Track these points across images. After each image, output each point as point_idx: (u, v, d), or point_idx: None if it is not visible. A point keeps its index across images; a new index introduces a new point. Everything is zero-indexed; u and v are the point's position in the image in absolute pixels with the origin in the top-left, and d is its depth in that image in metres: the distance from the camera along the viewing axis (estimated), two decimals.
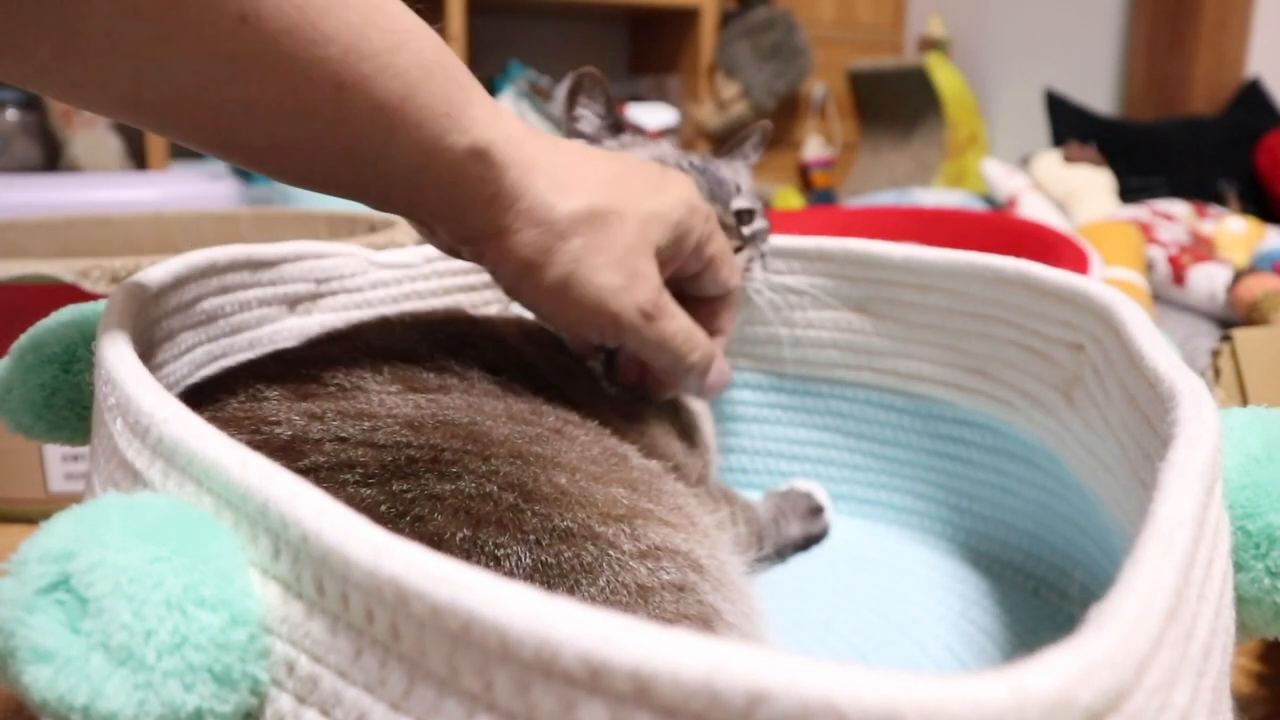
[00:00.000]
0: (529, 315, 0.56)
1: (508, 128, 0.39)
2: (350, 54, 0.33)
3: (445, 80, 0.36)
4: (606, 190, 0.42)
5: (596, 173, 0.43)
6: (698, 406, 0.58)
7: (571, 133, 0.60)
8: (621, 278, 0.43)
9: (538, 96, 2.09)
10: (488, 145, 0.38)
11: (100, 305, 0.43)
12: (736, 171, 0.62)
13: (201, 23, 0.31)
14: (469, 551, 0.32)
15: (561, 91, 2.09)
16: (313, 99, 0.34)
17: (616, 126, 0.60)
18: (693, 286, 0.50)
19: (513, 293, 0.44)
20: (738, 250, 0.57)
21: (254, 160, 0.37)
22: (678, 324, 0.46)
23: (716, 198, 0.58)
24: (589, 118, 0.60)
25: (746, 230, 0.58)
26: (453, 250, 0.44)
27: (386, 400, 0.39)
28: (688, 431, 0.56)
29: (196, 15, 0.31)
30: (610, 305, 0.43)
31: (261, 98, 0.33)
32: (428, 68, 0.36)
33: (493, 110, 0.39)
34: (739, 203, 0.59)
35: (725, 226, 0.55)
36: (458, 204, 0.39)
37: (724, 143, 0.64)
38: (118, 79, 0.32)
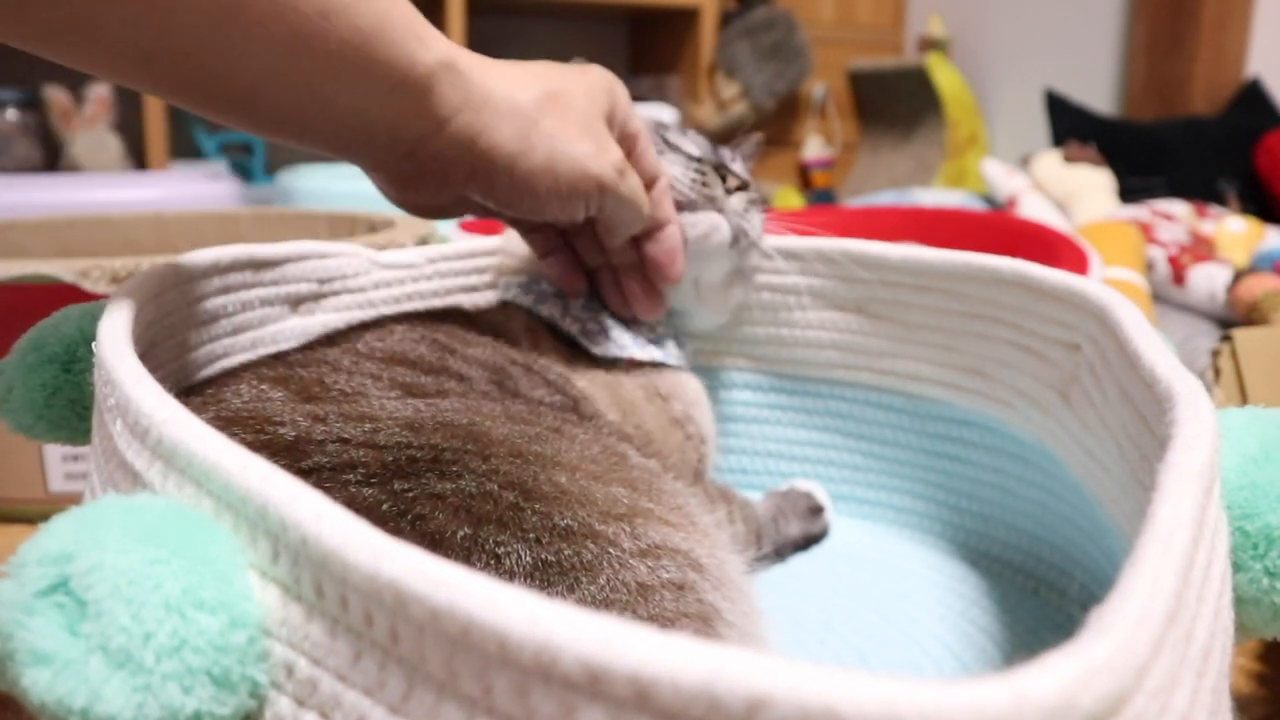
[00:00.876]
0: (528, 310, 0.56)
1: (458, 47, 0.44)
2: None
3: (407, 9, 0.41)
4: (547, 77, 0.47)
5: (532, 69, 0.48)
6: (695, 397, 0.58)
7: None
8: (592, 144, 0.48)
9: None
10: (451, 58, 0.42)
11: (101, 305, 0.43)
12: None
13: None
14: (470, 550, 0.32)
15: None
16: (302, 28, 0.37)
17: None
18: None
19: (503, 197, 0.47)
20: (739, 188, 0.57)
21: (251, 108, 0.40)
22: (636, 179, 0.51)
23: (714, 151, 0.60)
24: None
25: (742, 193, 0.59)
26: (434, 193, 0.47)
27: (387, 404, 0.39)
28: (684, 422, 0.56)
29: None
30: (592, 169, 0.47)
31: (258, 32, 0.36)
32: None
33: (441, 35, 0.43)
34: (735, 168, 0.60)
35: (721, 169, 0.57)
36: (437, 117, 0.43)
37: (722, 143, 0.64)
38: (124, 24, 0.34)
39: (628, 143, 0.52)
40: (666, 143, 0.58)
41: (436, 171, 0.45)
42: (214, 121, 0.41)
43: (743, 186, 0.58)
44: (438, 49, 0.42)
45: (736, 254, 0.58)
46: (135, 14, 0.34)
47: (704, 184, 0.55)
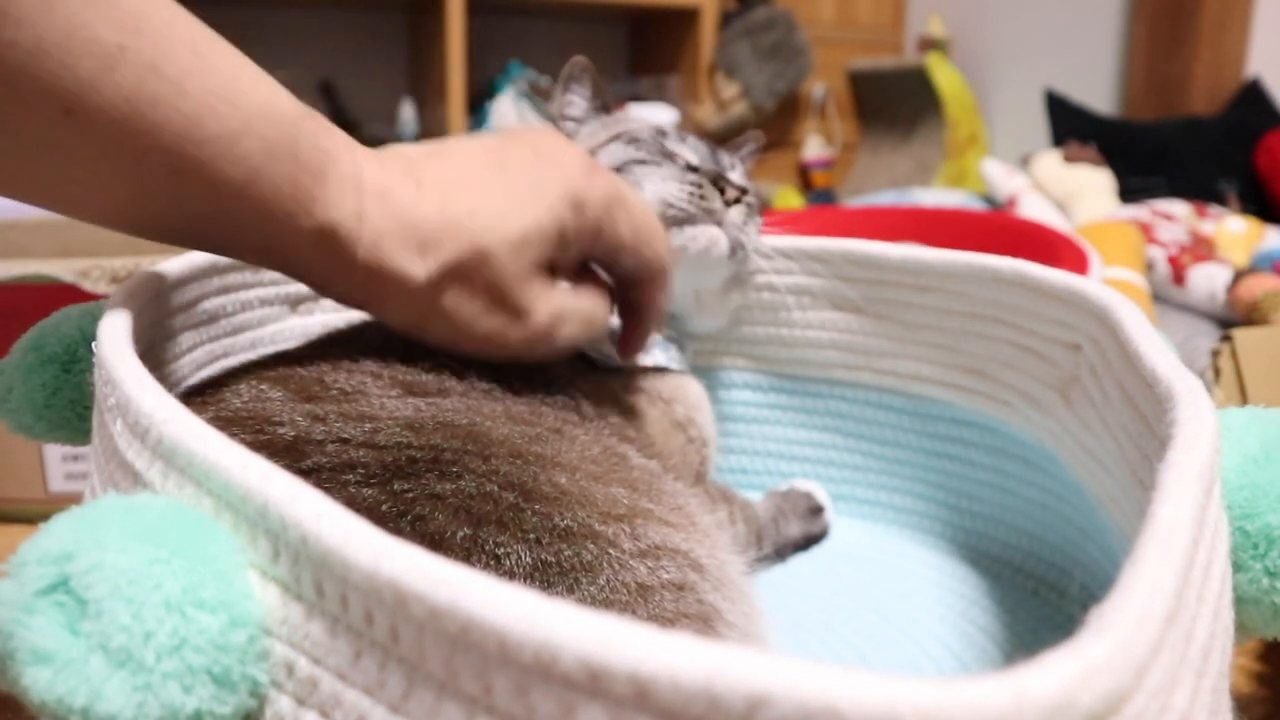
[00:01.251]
0: None
1: (360, 199, 0.37)
2: (185, 142, 0.33)
3: (290, 162, 0.35)
4: (469, 227, 0.39)
5: (458, 204, 0.39)
6: (697, 400, 0.58)
7: (562, 117, 0.62)
8: (503, 316, 0.41)
9: (538, 96, 2.09)
10: (334, 226, 0.37)
11: (101, 305, 0.43)
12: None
13: (24, 114, 0.31)
14: (469, 550, 0.32)
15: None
16: (149, 184, 0.34)
17: (604, 108, 0.62)
18: (614, 267, 0.47)
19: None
20: (737, 200, 0.56)
21: (104, 223, 0.37)
22: (579, 308, 0.44)
23: (713, 156, 0.60)
24: (577, 102, 0.62)
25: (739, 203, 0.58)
26: None
27: (387, 403, 0.39)
28: (687, 425, 0.56)
29: (19, 108, 0.30)
30: (509, 345, 0.42)
31: (96, 182, 0.33)
32: (272, 151, 0.35)
33: (343, 183, 0.37)
34: (734, 178, 0.59)
35: (719, 180, 0.56)
36: (316, 279, 0.39)
37: (723, 144, 0.64)
38: None
39: (600, 246, 0.44)
40: (664, 151, 0.57)
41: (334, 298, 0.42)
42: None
43: (740, 196, 0.57)
44: (320, 216, 0.36)
45: (735, 263, 0.58)
46: None
47: (701, 197, 0.55)
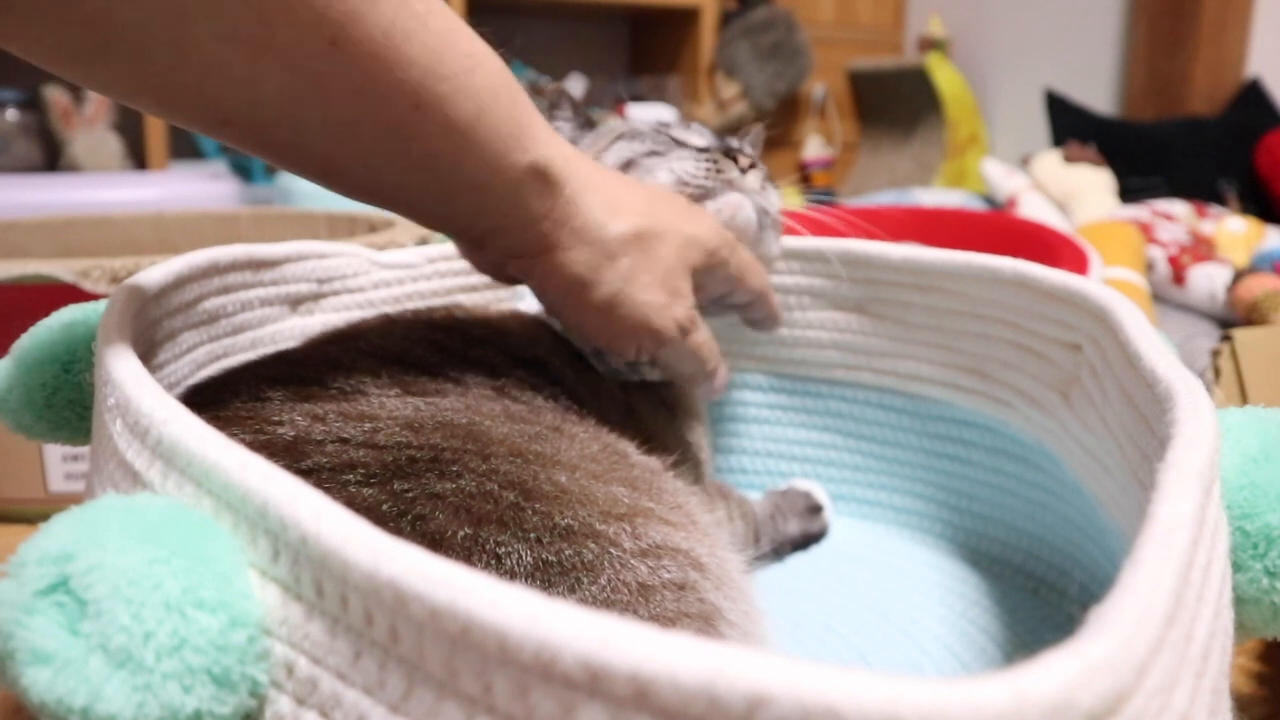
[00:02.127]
0: (530, 310, 0.56)
1: (563, 148, 0.41)
2: (429, 77, 0.35)
3: (510, 102, 0.38)
4: (650, 213, 0.45)
5: (639, 196, 0.45)
6: (693, 401, 0.58)
7: None
8: (664, 295, 0.45)
9: (538, 96, 2.09)
10: (547, 163, 0.40)
11: (100, 305, 0.43)
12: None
13: (294, 46, 0.32)
14: (470, 550, 0.32)
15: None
16: (392, 118, 0.35)
17: (588, 124, 0.63)
18: (729, 299, 0.54)
19: (556, 308, 0.46)
20: (752, 165, 0.58)
21: (328, 174, 0.38)
22: (705, 334, 0.49)
23: (720, 139, 0.60)
24: (564, 127, 0.63)
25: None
26: (497, 268, 0.46)
27: (387, 403, 0.39)
28: (683, 425, 0.56)
29: (290, 38, 0.32)
30: (654, 322, 0.45)
31: (343, 116, 0.35)
32: (496, 90, 0.38)
33: (550, 131, 0.41)
34: (746, 149, 0.60)
35: (731, 151, 0.57)
36: (516, 218, 0.41)
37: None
38: (214, 97, 0.33)
39: (728, 285, 0.51)
40: (673, 140, 0.58)
41: (498, 252, 0.44)
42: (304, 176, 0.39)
43: (754, 165, 0.58)
44: (534, 151, 0.39)
45: (759, 237, 0.57)
46: (208, 80, 0.32)
47: (718, 170, 0.55)
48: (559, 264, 0.43)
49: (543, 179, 0.40)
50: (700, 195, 0.55)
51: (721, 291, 0.52)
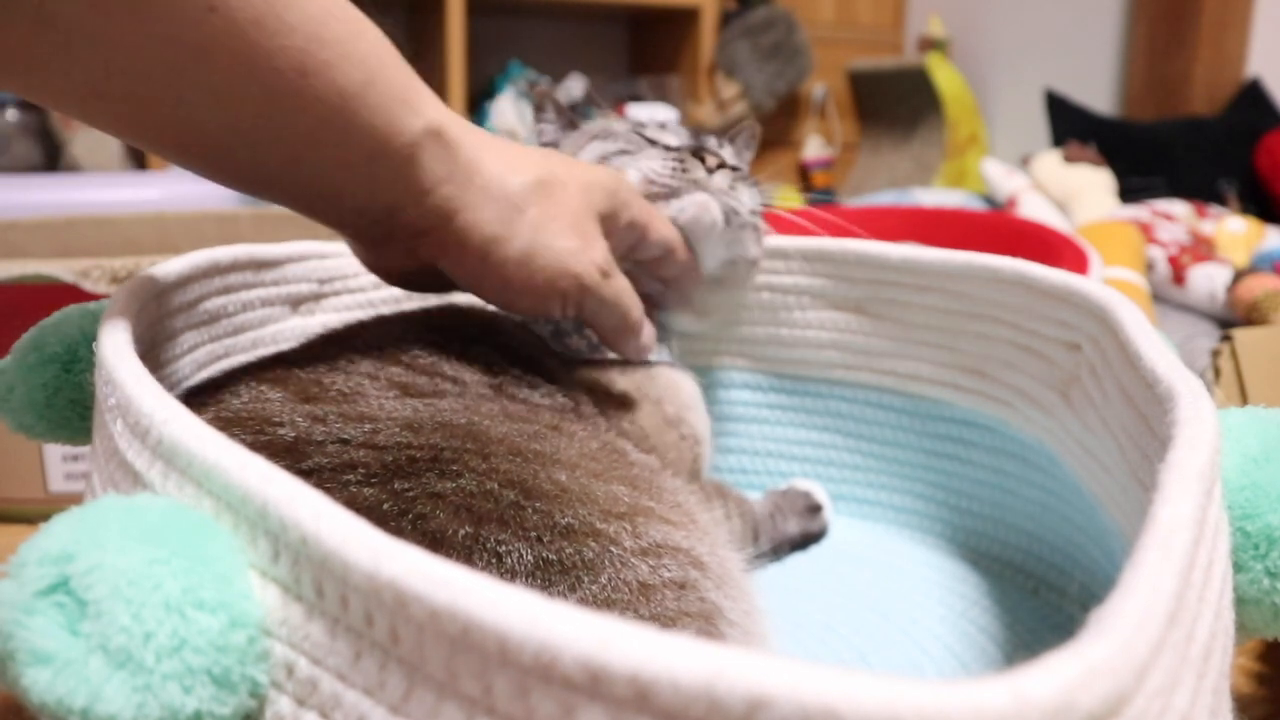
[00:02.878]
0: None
1: (453, 114, 0.41)
2: (313, 42, 0.35)
3: (397, 69, 0.38)
4: (547, 165, 0.45)
5: (534, 152, 0.45)
6: (689, 399, 0.58)
7: (541, 146, 0.63)
8: (577, 240, 0.45)
9: (537, 97, 2.09)
10: (441, 125, 0.40)
11: (101, 305, 0.43)
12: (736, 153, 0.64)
13: (171, 11, 0.31)
14: (470, 549, 0.32)
15: (568, 92, 2.10)
16: (277, 86, 0.35)
17: (570, 124, 0.64)
18: (633, 254, 0.53)
19: (476, 278, 0.45)
20: (720, 166, 0.57)
21: (211, 157, 0.38)
22: (624, 281, 0.49)
23: (696, 138, 0.60)
24: (547, 130, 0.63)
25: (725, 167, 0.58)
26: (406, 255, 0.44)
27: (386, 404, 0.39)
28: (678, 423, 0.56)
29: (167, 4, 0.31)
30: (573, 267, 0.45)
31: (226, 86, 0.34)
32: (382, 57, 0.38)
33: (436, 98, 0.41)
34: (723, 151, 0.60)
35: (700, 152, 0.56)
36: (416, 186, 0.40)
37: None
38: (85, 67, 0.32)
39: (634, 234, 0.50)
40: (645, 139, 0.58)
41: (406, 240, 0.43)
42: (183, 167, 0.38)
43: (723, 164, 0.57)
44: (428, 115, 0.39)
45: (730, 237, 0.57)
46: (75, 50, 0.31)
47: (684, 169, 0.55)
48: (469, 226, 0.42)
49: (439, 141, 0.40)
50: (665, 194, 0.55)
51: (629, 242, 0.51)
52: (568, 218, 0.45)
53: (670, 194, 0.55)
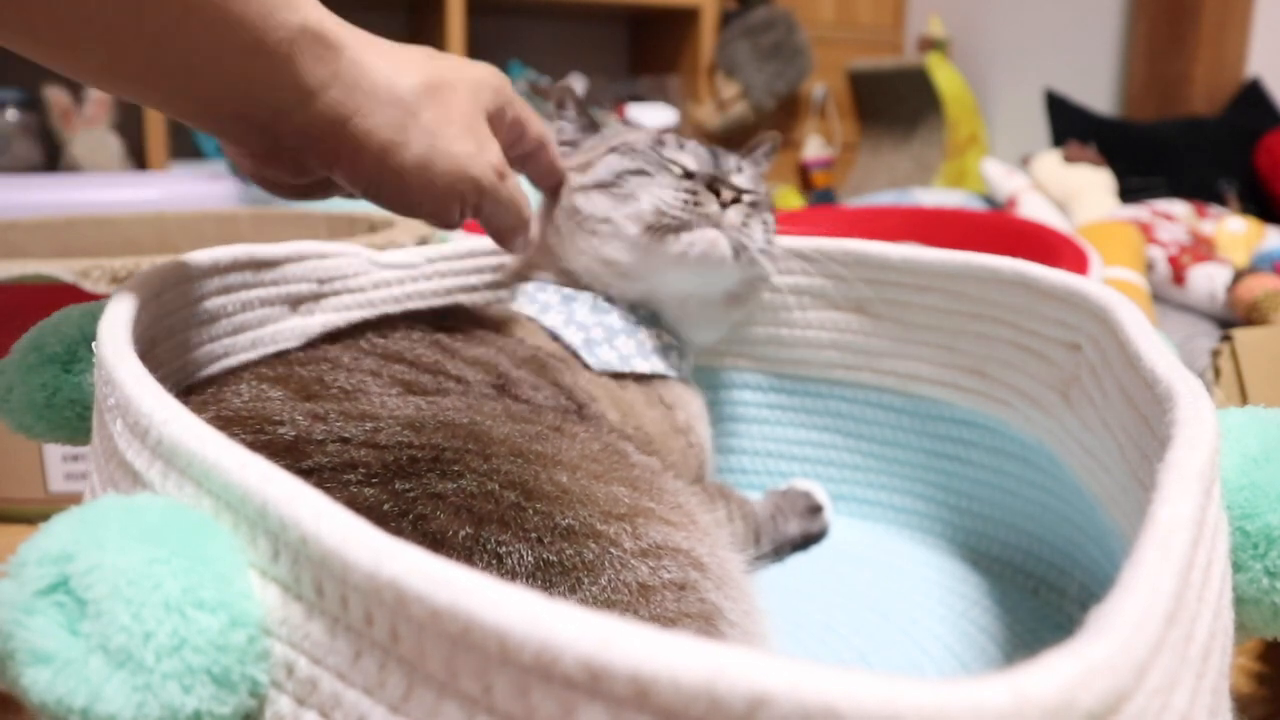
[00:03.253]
0: (528, 312, 0.56)
1: (333, 17, 0.40)
2: None
3: None
4: (432, 66, 0.44)
5: (417, 52, 0.45)
6: (697, 410, 0.58)
7: (557, 143, 0.62)
8: (473, 143, 0.45)
9: (538, 96, 2.09)
10: (320, 24, 0.39)
11: (101, 305, 0.43)
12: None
13: None
14: (471, 549, 0.32)
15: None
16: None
17: (592, 126, 0.63)
18: (513, 150, 0.53)
19: (375, 186, 0.44)
20: (736, 200, 0.55)
21: (80, 51, 0.35)
22: (515, 180, 0.49)
23: (714, 160, 0.59)
24: (566, 127, 0.62)
25: (745, 199, 0.57)
26: (300, 168, 0.43)
27: (388, 402, 0.39)
28: (686, 431, 0.56)
29: None
30: (471, 170, 0.45)
31: None
32: None
33: (318, 3, 0.40)
34: (738, 180, 0.58)
35: (716, 183, 0.55)
36: (299, 88, 0.39)
37: (724, 143, 0.64)
38: None
39: (516, 132, 0.51)
40: (660, 160, 0.57)
41: (296, 150, 0.42)
42: (49, 66, 0.36)
43: (739, 197, 0.56)
44: (305, 12, 0.38)
45: (740, 267, 0.56)
46: None
47: (696, 203, 0.54)
48: (363, 133, 0.41)
49: (319, 40, 0.39)
50: (676, 226, 0.54)
51: (510, 139, 0.51)
52: (461, 120, 0.45)
53: (680, 226, 0.54)
